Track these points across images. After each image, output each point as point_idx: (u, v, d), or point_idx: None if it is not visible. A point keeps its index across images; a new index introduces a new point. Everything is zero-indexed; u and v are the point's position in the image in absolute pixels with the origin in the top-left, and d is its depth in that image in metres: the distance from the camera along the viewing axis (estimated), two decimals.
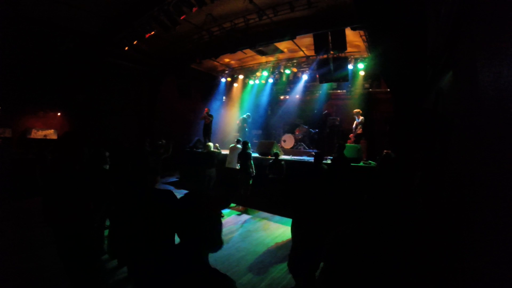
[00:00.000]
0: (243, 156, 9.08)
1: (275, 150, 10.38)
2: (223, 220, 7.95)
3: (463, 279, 2.41)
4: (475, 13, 2.38)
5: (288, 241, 6.56)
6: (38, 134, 11.02)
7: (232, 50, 11.26)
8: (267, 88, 16.97)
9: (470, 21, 2.52)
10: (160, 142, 9.65)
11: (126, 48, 10.86)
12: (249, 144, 9.43)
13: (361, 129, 11.50)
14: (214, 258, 5.54)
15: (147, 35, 9.67)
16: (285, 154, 12.06)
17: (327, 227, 3.93)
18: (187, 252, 1.47)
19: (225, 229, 7.21)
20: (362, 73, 12.76)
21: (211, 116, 13.73)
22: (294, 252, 4.34)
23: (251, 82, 16.72)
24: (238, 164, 9.50)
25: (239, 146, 10.21)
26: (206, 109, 14.06)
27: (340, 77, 10.82)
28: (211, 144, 10.90)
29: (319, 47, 9.46)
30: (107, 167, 4.80)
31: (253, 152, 10.21)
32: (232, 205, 9.45)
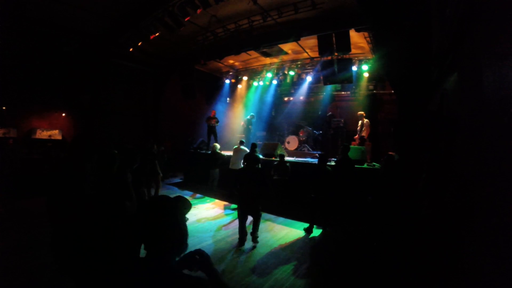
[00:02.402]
0: (251, 158, 9.04)
1: (279, 152, 10.37)
2: (227, 221, 7.97)
3: (463, 279, 2.40)
4: (479, 15, 2.37)
5: (292, 242, 6.57)
6: (43, 134, 11.08)
7: (237, 52, 11.27)
8: (271, 90, 17.01)
9: (474, 22, 2.51)
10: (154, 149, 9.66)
11: (131, 49, 10.91)
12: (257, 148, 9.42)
13: (366, 132, 11.46)
14: (216, 259, 5.55)
15: (151, 36, 9.71)
16: (289, 155, 12.06)
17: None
18: (155, 261, 1.44)
19: (229, 231, 7.23)
20: (366, 74, 12.75)
21: (216, 120, 13.74)
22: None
23: (255, 83, 16.75)
24: (243, 166, 9.50)
25: (242, 147, 10.21)
26: (213, 111, 14.10)
27: (344, 79, 10.81)
28: (217, 144, 11.00)
29: (323, 48, 9.46)
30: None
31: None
32: (236, 206, 9.46)
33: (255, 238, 6.45)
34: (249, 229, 6.63)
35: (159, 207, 1.52)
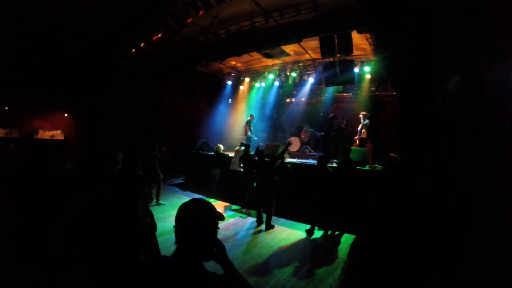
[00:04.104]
0: (246, 159, 9.08)
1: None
2: (228, 222, 7.98)
3: (463, 279, 2.39)
4: (481, 17, 2.37)
5: (293, 244, 6.57)
6: (45, 134, 11.11)
7: (239, 53, 11.27)
8: (273, 91, 16.98)
9: (476, 24, 2.51)
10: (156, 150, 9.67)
11: (133, 50, 10.92)
12: (251, 148, 9.51)
13: (365, 133, 11.45)
14: None
15: (154, 37, 9.71)
16: (291, 157, 12.04)
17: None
18: (184, 261, 1.45)
19: (230, 232, 7.22)
20: (368, 76, 12.72)
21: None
22: None
23: (257, 84, 16.73)
24: (240, 168, 9.57)
25: (243, 148, 10.25)
26: (251, 115, 14.32)
27: (346, 80, 10.79)
28: (221, 146, 11.12)
29: (325, 50, 9.45)
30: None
31: None
32: (237, 207, 9.46)
33: (267, 225, 7.52)
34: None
35: (210, 209, 1.55)
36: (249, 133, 14.21)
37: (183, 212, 1.52)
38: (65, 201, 3.61)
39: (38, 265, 3.07)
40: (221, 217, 1.60)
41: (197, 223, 1.49)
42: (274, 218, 8.18)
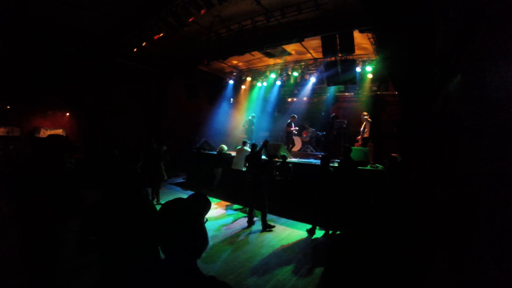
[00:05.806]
0: (253, 158, 9.04)
1: (282, 153, 10.35)
2: (229, 221, 7.98)
3: (464, 280, 2.39)
4: (483, 16, 2.36)
5: (294, 243, 6.57)
6: (47, 133, 11.11)
7: (240, 52, 11.27)
8: (275, 90, 16.98)
9: (478, 24, 2.50)
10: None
11: (135, 49, 10.92)
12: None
13: (368, 133, 11.43)
14: (219, 260, 5.56)
15: (155, 37, 9.70)
16: (292, 156, 12.04)
17: None
18: (177, 263, 1.43)
19: (231, 231, 7.23)
20: (370, 75, 12.69)
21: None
22: None
23: (258, 84, 16.74)
24: (245, 167, 9.54)
25: (245, 148, 10.21)
26: (292, 117, 14.24)
27: (348, 80, 10.78)
28: (224, 146, 11.18)
29: (327, 49, 9.43)
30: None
31: None
32: (238, 207, 9.46)
33: (264, 225, 7.46)
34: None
35: (182, 210, 1.51)
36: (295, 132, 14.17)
37: (171, 214, 1.49)
38: (66, 200, 3.61)
39: (39, 265, 3.07)
40: (208, 206, 1.57)
41: (181, 223, 1.45)
42: (275, 217, 8.19)
